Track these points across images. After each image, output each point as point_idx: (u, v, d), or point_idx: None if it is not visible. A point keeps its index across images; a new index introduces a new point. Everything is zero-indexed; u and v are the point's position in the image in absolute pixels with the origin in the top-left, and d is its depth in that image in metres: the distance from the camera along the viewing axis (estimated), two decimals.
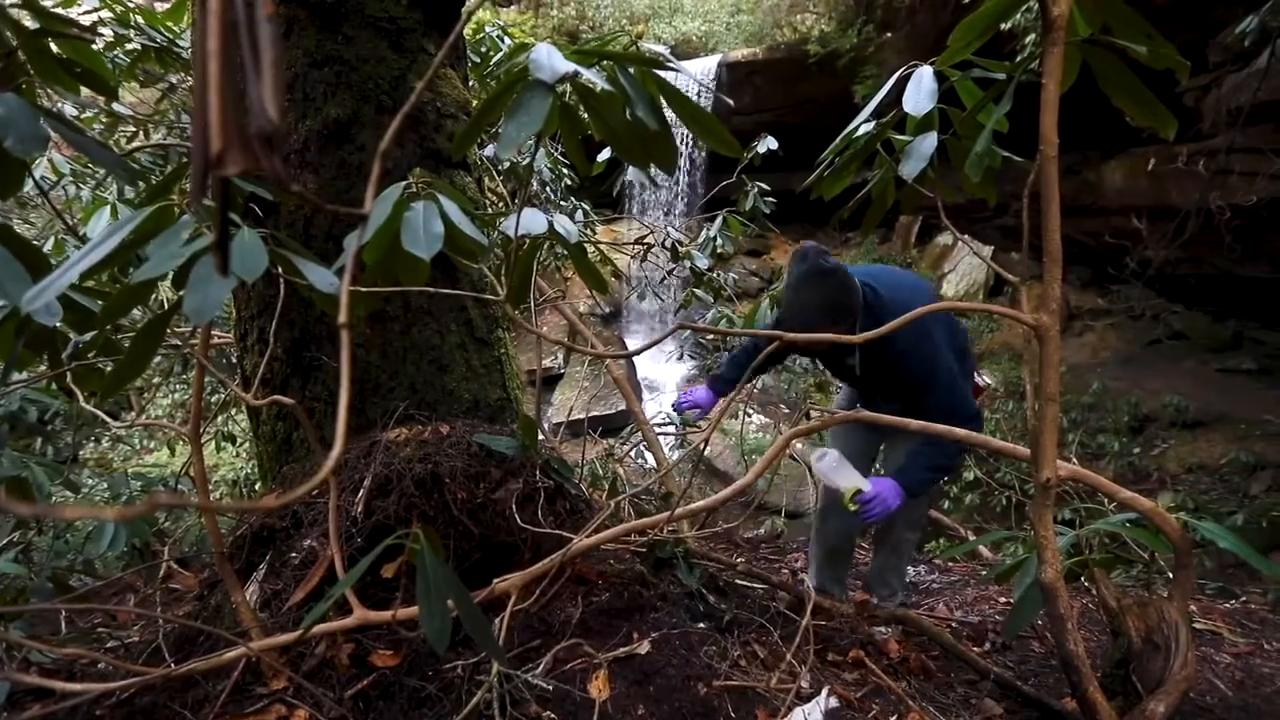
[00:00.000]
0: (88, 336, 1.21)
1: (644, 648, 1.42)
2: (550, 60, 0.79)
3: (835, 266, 1.67)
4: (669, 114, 0.93)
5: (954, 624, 2.07)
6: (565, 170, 3.63)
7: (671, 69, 0.90)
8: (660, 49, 0.91)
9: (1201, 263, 7.69)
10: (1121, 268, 7.98)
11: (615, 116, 0.85)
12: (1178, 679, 1.16)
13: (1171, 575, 1.42)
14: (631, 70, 0.87)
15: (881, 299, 1.74)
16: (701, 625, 1.56)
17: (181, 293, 0.80)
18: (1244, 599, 2.74)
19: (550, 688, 1.28)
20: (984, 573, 2.66)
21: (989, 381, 2.12)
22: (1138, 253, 7.46)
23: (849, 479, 1.72)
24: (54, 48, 1.19)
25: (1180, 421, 7.30)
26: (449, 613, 0.81)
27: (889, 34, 9.35)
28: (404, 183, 1.02)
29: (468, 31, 1.96)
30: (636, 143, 0.87)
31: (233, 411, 4.33)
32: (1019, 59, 1.17)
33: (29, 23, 1.16)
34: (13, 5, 1.15)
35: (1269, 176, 6.05)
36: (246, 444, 4.45)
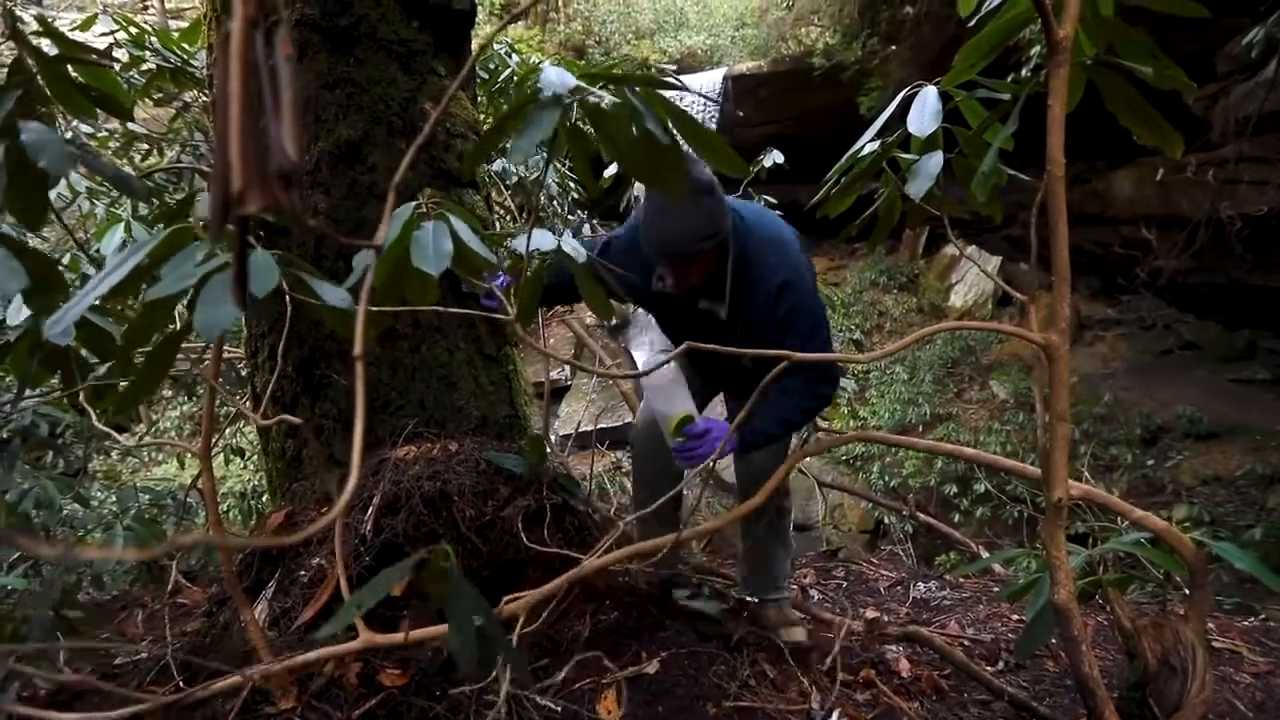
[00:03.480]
0: (103, 369, 1.23)
1: (653, 667, 1.41)
2: (560, 78, 0.81)
3: (711, 182, 1.36)
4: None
5: (966, 642, 2.04)
6: (572, 185, 3.66)
7: (677, 89, 0.91)
8: (668, 68, 0.92)
9: (1213, 272, 7.65)
10: (1132, 277, 7.94)
11: (624, 136, 0.86)
12: (1195, 702, 1.14)
13: (1188, 593, 1.40)
14: (639, 90, 0.88)
15: (750, 229, 1.47)
16: (710, 644, 1.55)
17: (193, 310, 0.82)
18: (1263, 615, 2.69)
19: (559, 708, 1.27)
20: (996, 590, 2.62)
21: None
22: (1148, 262, 7.43)
23: (680, 404, 1.39)
24: (72, 73, 1.22)
25: (1194, 433, 7.22)
26: (475, 632, 0.81)
27: (893, 47, 9.40)
28: (414, 203, 1.03)
29: (474, 47, 1.99)
30: (646, 161, 0.88)
31: (241, 425, 4.35)
32: (1023, 73, 1.17)
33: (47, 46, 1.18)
34: (34, 33, 1.18)
35: (1278, 186, 6.02)
36: (255, 457, 4.47)
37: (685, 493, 1.84)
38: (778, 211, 1.83)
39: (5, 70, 1.07)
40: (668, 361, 1.23)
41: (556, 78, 0.83)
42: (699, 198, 1.33)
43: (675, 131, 0.91)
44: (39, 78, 1.14)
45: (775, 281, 1.41)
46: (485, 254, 1.02)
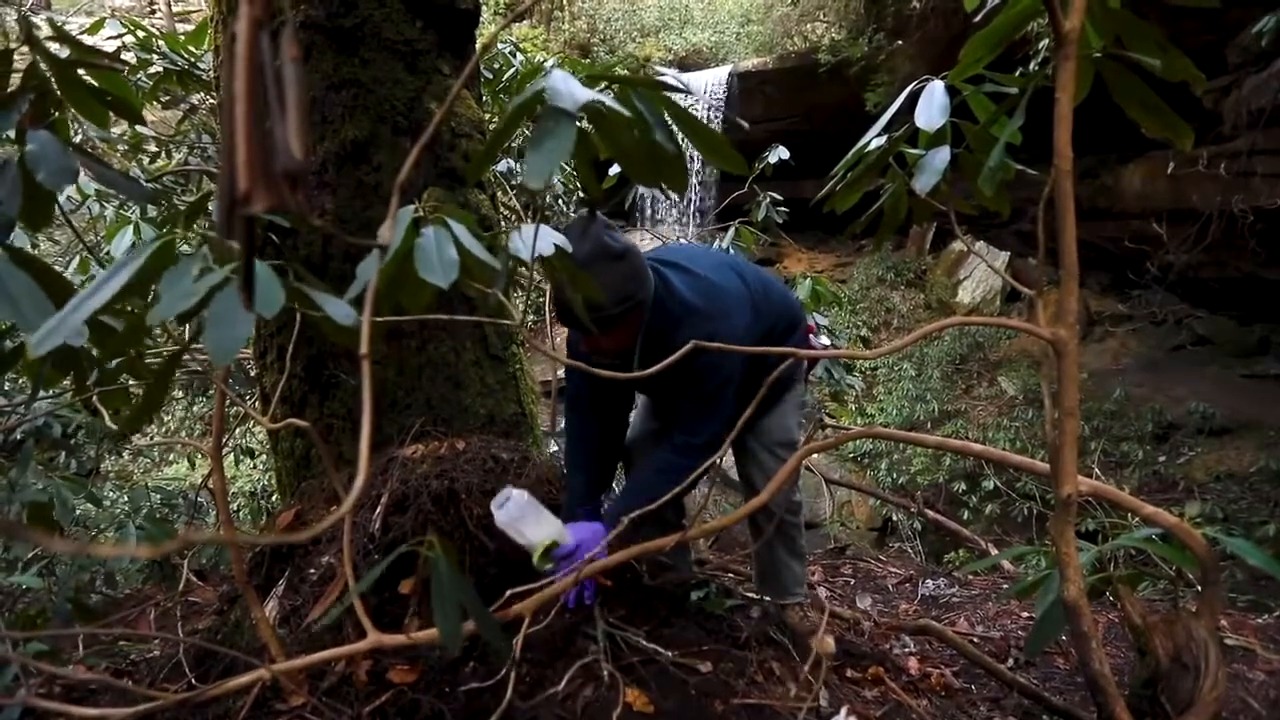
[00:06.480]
0: (111, 364, 1.24)
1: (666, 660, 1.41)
2: (569, 88, 0.79)
3: (625, 248, 1.33)
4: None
5: (975, 639, 2.03)
6: (577, 184, 3.66)
7: (679, 90, 0.90)
8: (671, 72, 0.92)
9: (1225, 266, 7.56)
10: (1142, 272, 7.87)
11: (628, 139, 0.86)
12: (1208, 700, 1.13)
13: (1200, 589, 1.39)
14: (643, 92, 0.88)
15: (674, 293, 1.43)
16: (718, 641, 1.55)
17: (202, 320, 0.81)
18: (1277, 613, 2.66)
19: (567, 703, 1.27)
20: (1005, 587, 2.61)
21: (826, 342, 1.82)
22: (1159, 257, 7.35)
23: (543, 529, 1.32)
24: (85, 77, 1.23)
25: (1206, 429, 7.14)
26: (461, 616, 0.81)
27: (900, 42, 9.35)
28: (412, 206, 1.02)
29: (478, 47, 1.99)
30: (649, 164, 0.88)
31: (251, 425, 4.38)
32: (1031, 67, 1.16)
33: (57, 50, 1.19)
34: (47, 38, 1.18)
35: None
36: (265, 456, 4.50)
37: (685, 501, 1.85)
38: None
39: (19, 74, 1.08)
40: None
41: (564, 87, 0.81)
42: (611, 265, 1.29)
43: (679, 133, 0.91)
44: (53, 82, 1.15)
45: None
46: (490, 261, 1.01)
